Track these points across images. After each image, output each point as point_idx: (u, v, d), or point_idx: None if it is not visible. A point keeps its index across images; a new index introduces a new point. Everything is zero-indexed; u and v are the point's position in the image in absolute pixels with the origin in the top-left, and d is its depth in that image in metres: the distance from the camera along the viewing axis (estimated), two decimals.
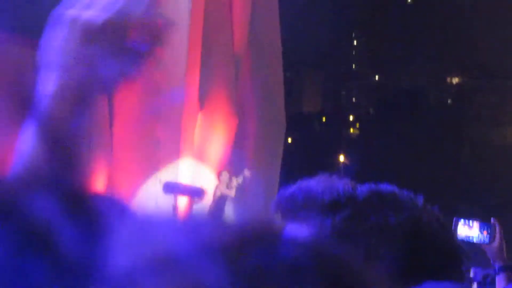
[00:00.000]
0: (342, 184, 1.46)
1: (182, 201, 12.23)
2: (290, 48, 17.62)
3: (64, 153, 1.17)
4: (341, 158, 32.53)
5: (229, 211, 12.91)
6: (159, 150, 12.17)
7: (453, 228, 3.75)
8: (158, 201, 11.87)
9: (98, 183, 11.53)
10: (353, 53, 36.01)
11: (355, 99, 36.53)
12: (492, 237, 3.83)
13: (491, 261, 3.90)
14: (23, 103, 1.21)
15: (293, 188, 1.50)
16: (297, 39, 21.10)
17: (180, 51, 12.32)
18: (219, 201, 12.38)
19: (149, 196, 11.96)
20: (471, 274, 5.42)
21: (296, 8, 18.63)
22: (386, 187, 1.47)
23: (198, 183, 12.40)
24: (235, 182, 12.42)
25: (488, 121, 31.38)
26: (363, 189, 1.45)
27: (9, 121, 1.21)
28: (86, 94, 1.20)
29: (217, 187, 12.38)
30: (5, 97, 1.19)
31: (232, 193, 12.36)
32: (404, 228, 1.40)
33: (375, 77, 35.70)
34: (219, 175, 12.57)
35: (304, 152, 27.99)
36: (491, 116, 31.16)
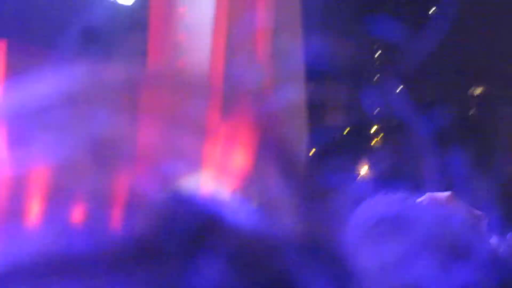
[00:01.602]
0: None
1: None
2: (313, 60, 17.62)
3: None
4: (364, 169, 32.44)
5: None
6: (179, 162, 12.17)
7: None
8: None
9: (120, 191, 11.56)
10: (376, 64, 36.00)
11: (378, 111, 36.48)
12: None
13: None
14: None
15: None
16: (319, 51, 21.09)
17: (203, 58, 12.34)
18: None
19: None
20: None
21: (319, 21, 18.67)
22: None
23: (219, 195, 12.40)
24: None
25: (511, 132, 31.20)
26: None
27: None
28: None
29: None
30: None
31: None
32: None
33: (397, 88, 35.69)
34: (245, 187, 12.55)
35: (326, 163, 27.93)
36: None
